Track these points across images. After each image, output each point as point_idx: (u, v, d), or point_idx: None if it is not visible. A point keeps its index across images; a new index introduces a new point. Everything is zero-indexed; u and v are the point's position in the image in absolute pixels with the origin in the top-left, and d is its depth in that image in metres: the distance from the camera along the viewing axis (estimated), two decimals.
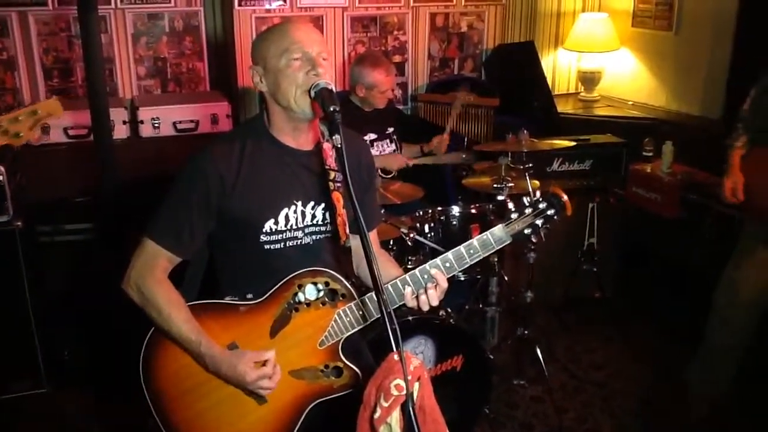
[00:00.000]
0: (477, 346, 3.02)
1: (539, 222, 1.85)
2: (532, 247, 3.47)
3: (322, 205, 1.94)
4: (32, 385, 3.31)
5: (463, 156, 4.01)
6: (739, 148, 3.02)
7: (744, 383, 3.15)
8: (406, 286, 1.84)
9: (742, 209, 3.01)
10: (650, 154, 4.41)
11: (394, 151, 3.92)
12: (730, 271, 3.01)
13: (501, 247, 1.86)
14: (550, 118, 4.89)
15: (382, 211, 3.21)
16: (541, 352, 3.50)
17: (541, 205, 1.85)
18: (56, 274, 3.68)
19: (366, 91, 3.69)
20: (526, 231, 1.86)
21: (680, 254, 4.03)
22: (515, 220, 1.85)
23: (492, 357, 3.27)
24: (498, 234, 1.85)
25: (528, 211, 1.85)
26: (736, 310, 2.99)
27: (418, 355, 2.84)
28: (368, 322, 1.88)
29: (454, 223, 3.25)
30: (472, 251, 1.84)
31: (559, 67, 5.60)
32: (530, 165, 3.46)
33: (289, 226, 1.91)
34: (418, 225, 3.20)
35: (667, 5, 4.88)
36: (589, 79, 5.39)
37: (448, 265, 1.84)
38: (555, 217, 1.86)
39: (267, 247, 1.90)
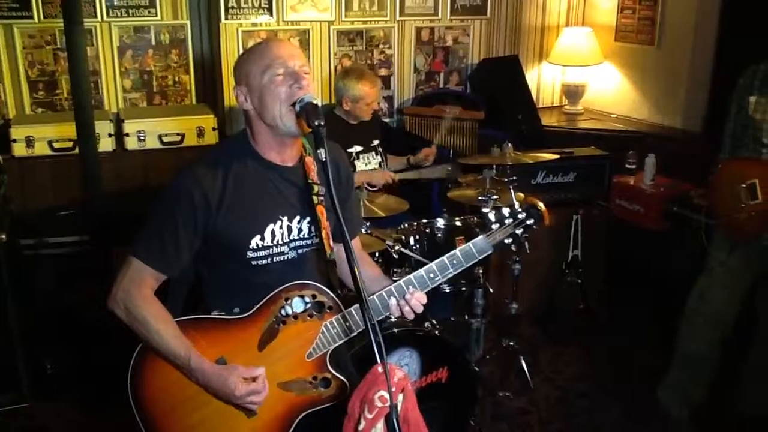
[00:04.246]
0: (462, 358, 3.02)
1: (519, 232, 1.94)
2: (517, 258, 3.49)
3: (308, 218, 1.95)
4: (14, 399, 3.27)
5: (449, 169, 4.04)
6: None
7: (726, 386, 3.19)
8: (391, 297, 1.88)
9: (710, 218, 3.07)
10: (633, 166, 4.46)
11: (380, 163, 3.94)
12: (700, 279, 3.07)
13: (483, 257, 1.92)
14: (535, 131, 4.93)
15: (368, 224, 3.22)
16: (526, 364, 3.52)
17: (521, 216, 1.93)
18: (40, 287, 3.66)
19: (351, 103, 3.72)
20: (507, 241, 1.94)
21: (663, 266, 4.06)
22: (496, 230, 1.93)
23: (477, 369, 3.28)
24: (480, 245, 1.91)
25: (508, 221, 1.93)
26: (704, 317, 3.04)
27: (403, 368, 2.84)
28: (354, 334, 1.90)
29: (439, 235, 3.26)
30: (455, 261, 1.90)
31: (544, 80, 5.65)
32: (515, 178, 3.49)
33: (275, 242, 1.91)
34: (403, 237, 3.21)
35: (650, 20, 4.95)
36: (573, 93, 5.45)
37: (432, 275, 1.90)
38: (534, 227, 1.94)
39: (254, 263, 1.91)
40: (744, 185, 2.82)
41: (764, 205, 2.77)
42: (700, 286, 3.07)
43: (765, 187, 2.77)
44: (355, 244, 2.17)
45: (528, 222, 1.93)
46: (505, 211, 1.93)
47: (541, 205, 1.93)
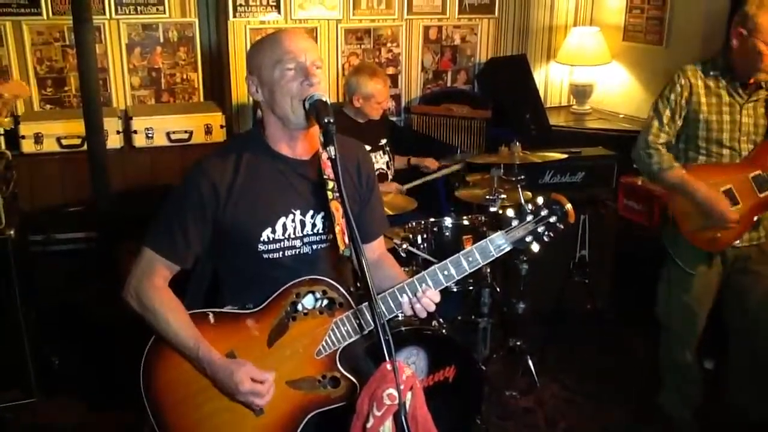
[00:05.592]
0: (469, 357, 3.02)
1: (541, 229, 1.84)
2: (524, 258, 3.49)
3: (322, 213, 1.94)
4: (21, 394, 3.28)
5: (454, 157, 4.04)
6: (677, 167, 2.84)
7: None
8: (404, 295, 1.84)
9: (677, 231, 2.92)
10: None
11: (387, 163, 3.94)
12: (681, 295, 2.96)
13: (500, 255, 1.84)
14: (542, 130, 4.91)
15: None
16: (532, 364, 3.51)
17: (543, 212, 1.84)
18: (47, 283, 3.67)
19: (362, 101, 3.71)
20: (528, 238, 1.84)
21: None
22: (515, 226, 1.84)
23: (484, 368, 3.28)
24: (497, 241, 1.83)
25: (529, 218, 1.84)
26: (680, 326, 3.02)
27: (410, 366, 2.84)
28: (365, 332, 1.88)
29: (447, 234, 3.27)
30: (470, 259, 1.83)
31: (551, 80, 5.64)
32: (522, 177, 3.49)
33: (286, 235, 1.91)
34: (410, 236, 3.21)
35: (658, 20, 4.93)
36: (580, 92, 5.43)
37: (446, 273, 1.83)
38: (558, 225, 1.85)
39: (265, 256, 1.91)
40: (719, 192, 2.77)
41: (745, 208, 2.75)
42: (672, 297, 3.00)
43: (742, 191, 2.75)
44: (380, 243, 2.15)
45: (551, 219, 1.84)
46: (527, 206, 1.84)
47: (568, 205, 1.84)
